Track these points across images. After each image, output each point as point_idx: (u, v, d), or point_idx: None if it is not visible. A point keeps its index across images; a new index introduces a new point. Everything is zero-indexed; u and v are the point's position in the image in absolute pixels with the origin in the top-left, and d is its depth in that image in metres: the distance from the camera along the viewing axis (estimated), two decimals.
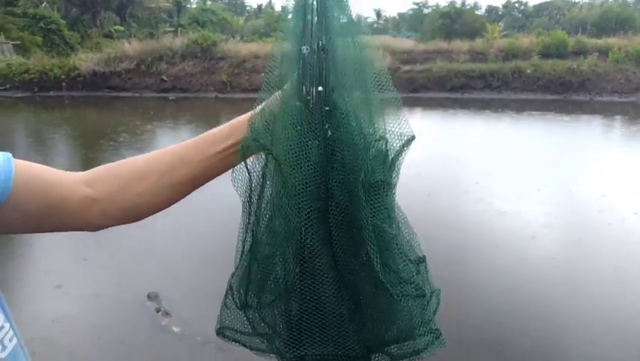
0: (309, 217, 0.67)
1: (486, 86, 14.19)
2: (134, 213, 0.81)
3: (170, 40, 17.22)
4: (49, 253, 4.60)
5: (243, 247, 0.75)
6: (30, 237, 4.96)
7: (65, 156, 8.46)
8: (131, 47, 16.57)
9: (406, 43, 21.57)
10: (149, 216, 0.81)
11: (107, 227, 0.80)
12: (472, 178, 6.64)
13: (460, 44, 17.51)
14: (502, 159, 7.62)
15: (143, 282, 3.89)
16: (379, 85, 0.73)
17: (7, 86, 15.70)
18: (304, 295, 0.68)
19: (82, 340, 3.26)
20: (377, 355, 0.74)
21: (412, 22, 51.02)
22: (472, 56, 16.10)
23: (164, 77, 15.47)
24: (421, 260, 0.76)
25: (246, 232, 0.74)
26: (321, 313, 0.69)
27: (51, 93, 15.66)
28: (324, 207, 0.68)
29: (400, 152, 0.71)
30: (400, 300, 0.70)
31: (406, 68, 15.15)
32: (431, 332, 0.72)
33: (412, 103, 13.33)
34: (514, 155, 7.90)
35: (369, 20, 65.90)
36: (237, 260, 0.76)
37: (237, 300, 0.77)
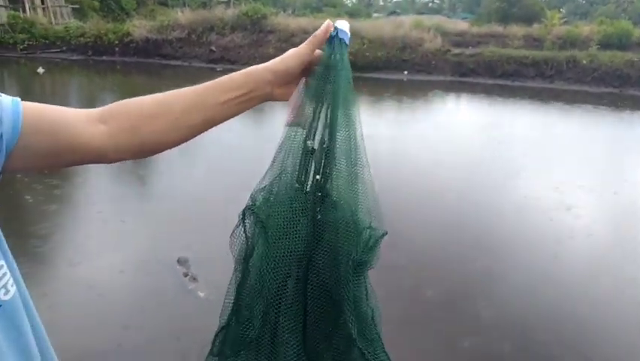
0: (284, 281, 0.77)
1: (538, 75, 13.69)
2: (148, 149, 0.84)
3: (222, 11, 17.36)
4: (87, 216, 4.83)
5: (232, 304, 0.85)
6: (67, 197, 5.22)
7: None
8: (183, 16, 16.82)
9: (460, 24, 20.99)
10: (163, 151, 0.85)
11: (121, 160, 0.84)
12: (513, 168, 6.52)
13: (516, 29, 16.89)
14: (547, 151, 7.42)
15: (175, 246, 4.05)
16: (364, 179, 0.82)
17: (64, 48, 16.26)
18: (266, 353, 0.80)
19: (112, 297, 3.44)
20: None
21: (469, 3, 49.52)
22: (528, 43, 15.53)
23: (213, 48, 15.67)
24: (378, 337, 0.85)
25: (235, 291, 0.85)
26: None
27: (104, 58, 16.12)
28: (304, 277, 0.78)
29: (378, 240, 0.81)
30: None
31: (456, 51, 14.79)
32: None
33: (458, 88, 13.04)
34: (561, 147, 7.67)
35: None
36: (221, 315, 0.87)
37: (214, 349, 0.87)
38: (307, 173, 0.81)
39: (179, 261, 3.80)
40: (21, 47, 15.91)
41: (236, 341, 0.81)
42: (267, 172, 0.83)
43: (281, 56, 0.83)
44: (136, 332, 3.02)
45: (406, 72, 14.44)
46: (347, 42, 0.83)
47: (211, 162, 6.46)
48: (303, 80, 0.86)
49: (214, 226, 4.45)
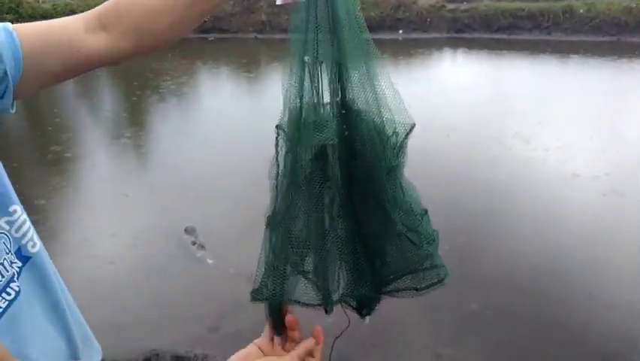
0: (331, 198, 0.80)
1: (535, 27, 13.49)
2: (152, 47, 0.84)
3: None
4: (93, 190, 4.87)
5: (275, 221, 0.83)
6: (73, 177, 5.25)
7: (112, 99, 8.72)
8: None
9: None
10: (166, 47, 0.86)
11: (128, 60, 0.85)
12: (514, 122, 6.52)
13: None
14: (549, 102, 7.39)
15: (181, 216, 4.10)
16: (386, 81, 0.82)
17: None
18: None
19: (120, 270, 3.52)
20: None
21: None
22: None
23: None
24: (424, 212, 0.90)
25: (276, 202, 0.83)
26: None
27: None
28: (347, 192, 0.81)
29: (405, 139, 0.84)
30: (421, 245, 0.85)
31: (451, 6, 14.54)
32: (441, 266, 0.87)
33: (455, 44, 12.88)
34: (562, 98, 7.64)
35: None
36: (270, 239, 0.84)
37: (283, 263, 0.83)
38: (321, 90, 0.79)
39: (186, 230, 3.86)
40: None
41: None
42: (285, 98, 0.82)
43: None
44: (149, 302, 3.10)
45: (401, 31, 14.24)
46: None
47: (210, 134, 6.47)
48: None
49: (218, 195, 4.51)
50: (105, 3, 0.81)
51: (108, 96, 8.78)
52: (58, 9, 16.25)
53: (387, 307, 0.89)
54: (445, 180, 4.72)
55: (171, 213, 4.23)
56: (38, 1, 17.38)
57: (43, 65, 0.72)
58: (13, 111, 0.71)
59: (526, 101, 7.42)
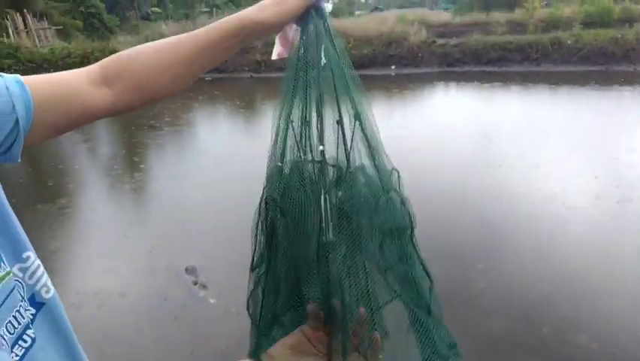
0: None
1: (524, 59, 13.79)
2: (155, 100, 0.87)
3: (205, 21, 17.40)
4: (92, 232, 4.86)
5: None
6: (76, 216, 5.25)
7: (110, 141, 8.78)
8: (167, 28, 16.89)
9: (443, 15, 21.16)
10: (168, 96, 0.88)
11: (131, 111, 0.87)
12: (509, 152, 6.58)
13: (499, 16, 17.06)
14: (541, 132, 7.48)
15: (180, 256, 4.08)
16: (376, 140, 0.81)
17: (51, 70, 16.26)
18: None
19: (123, 310, 3.48)
20: None
21: None
22: (511, 28, 15.65)
23: None
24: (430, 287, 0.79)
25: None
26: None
27: None
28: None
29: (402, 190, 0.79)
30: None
31: (441, 41, 14.87)
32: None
33: (446, 77, 13.11)
34: (553, 128, 7.74)
35: None
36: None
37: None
38: (310, 145, 0.76)
39: (187, 270, 3.84)
40: (8, 72, 15.86)
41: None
42: (271, 151, 0.80)
43: (275, 8, 0.82)
44: (152, 343, 3.06)
45: (393, 67, 14.51)
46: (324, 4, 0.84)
47: (208, 172, 6.50)
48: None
49: (217, 234, 4.50)
50: (107, 58, 0.84)
51: (105, 136, 8.85)
52: (56, 52, 16.55)
53: None
54: (438, 211, 4.74)
55: (171, 253, 4.22)
56: (37, 46, 17.71)
57: (47, 116, 0.75)
58: (19, 161, 0.73)
59: (518, 131, 7.51)
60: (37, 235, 4.67)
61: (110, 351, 2.98)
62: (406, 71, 14.25)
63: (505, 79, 12.36)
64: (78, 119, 0.80)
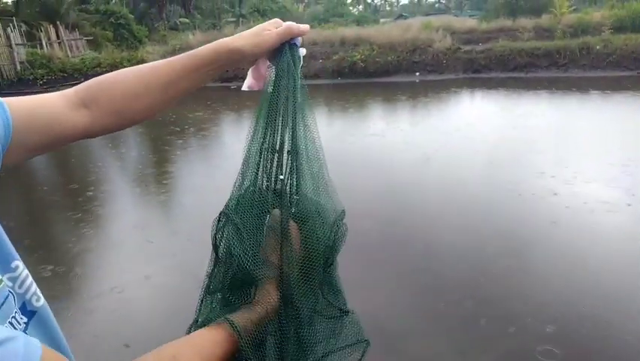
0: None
1: (551, 65, 13.58)
2: (131, 124, 0.90)
3: (232, 30, 17.64)
4: (117, 237, 4.96)
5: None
6: (98, 225, 5.36)
7: (132, 147, 8.95)
8: (194, 38, 17.17)
9: (468, 22, 20.96)
10: (145, 120, 0.92)
11: (107, 134, 0.90)
12: (536, 161, 6.48)
13: (526, 22, 16.82)
14: (569, 141, 7.35)
15: (205, 260, 4.14)
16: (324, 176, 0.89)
17: (82, 79, 16.59)
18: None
19: (149, 315, 3.54)
20: None
21: (476, 0, 49.34)
22: (538, 34, 15.44)
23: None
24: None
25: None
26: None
27: None
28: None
29: (339, 223, 0.87)
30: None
31: (467, 48, 14.76)
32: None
33: (471, 84, 12.99)
34: (583, 133, 7.60)
35: (429, 0, 64.05)
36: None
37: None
38: (272, 173, 0.87)
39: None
40: (41, 82, 16.39)
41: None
42: (239, 175, 0.89)
43: (251, 38, 0.87)
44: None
45: (417, 74, 14.46)
46: (300, 56, 0.90)
47: (231, 179, 6.57)
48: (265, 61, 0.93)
49: None
50: (86, 82, 0.87)
51: (133, 143, 9.03)
52: (87, 62, 17.00)
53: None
54: (465, 221, 4.69)
55: (195, 258, 4.28)
56: (68, 56, 18.22)
57: (26, 137, 0.75)
58: None
59: (546, 139, 7.39)
60: (61, 241, 4.80)
61: (130, 352, 3.03)
62: (430, 77, 14.18)
63: (532, 85, 12.18)
64: (55, 141, 0.81)
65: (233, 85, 13.60)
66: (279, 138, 0.86)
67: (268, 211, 0.82)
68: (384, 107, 11.11)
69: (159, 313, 3.51)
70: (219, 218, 0.85)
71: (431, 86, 13.12)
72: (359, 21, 30.41)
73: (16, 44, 17.36)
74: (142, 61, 16.33)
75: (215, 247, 0.85)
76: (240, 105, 12.09)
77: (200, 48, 0.87)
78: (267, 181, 0.87)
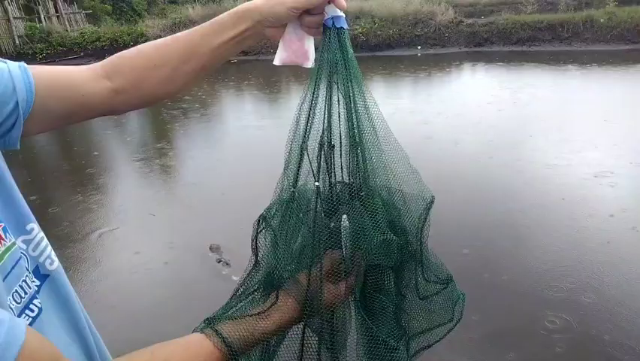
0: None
1: (555, 38, 13.42)
2: (153, 99, 0.89)
3: (232, 3, 17.41)
4: (119, 209, 5.01)
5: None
6: (99, 197, 5.41)
7: (133, 119, 8.95)
8: (194, 11, 16.93)
9: None
10: (167, 99, 0.91)
11: (129, 111, 0.89)
12: (535, 134, 6.49)
13: None
14: (573, 113, 7.34)
15: (206, 234, 4.19)
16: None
17: (82, 54, 16.56)
18: None
19: (147, 287, 3.61)
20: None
21: None
22: (542, 7, 15.20)
23: None
24: (450, 278, 0.90)
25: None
26: None
27: None
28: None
29: (425, 215, 0.81)
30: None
31: (469, 21, 14.58)
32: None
33: (474, 57, 12.87)
34: (586, 108, 7.58)
35: None
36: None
37: None
38: (328, 172, 0.79)
39: (211, 248, 3.95)
40: (40, 56, 16.27)
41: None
42: (282, 175, 0.83)
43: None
44: (172, 319, 3.15)
45: (419, 47, 14.33)
46: (345, 27, 0.79)
47: (234, 153, 6.60)
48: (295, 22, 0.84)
49: (241, 214, 4.59)
50: (112, 56, 0.87)
51: (134, 115, 9.02)
52: (86, 36, 16.84)
53: None
54: (466, 195, 4.73)
55: (196, 232, 4.34)
56: (67, 30, 18.04)
57: (49, 105, 0.76)
58: (19, 148, 0.74)
59: (549, 113, 7.38)
60: (58, 207, 4.86)
61: (129, 326, 3.10)
62: (432, 51, 14.05)
63: (534, 59, 12.08)
64: (76, 111, 0.81)
65: (234, 59, 13.51)
66: (331, 126, 0.78)
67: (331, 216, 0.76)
68: (386, 81, 11.04)
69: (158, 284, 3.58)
70: (259, 221, 0.81)
71: (433, 59, 13.01)
72: None
73: (14, 18, 17.18)
74: (142, 35, 16.19)
75: (255, 251, 0.82)
76: (239, 78, 12.03)
77: (221, 15, 0.84)
78: (319, 181, 0.79)
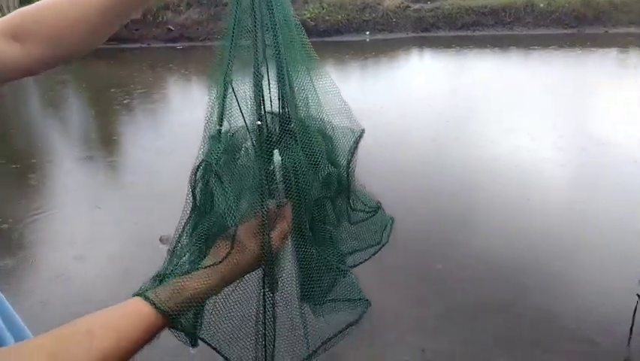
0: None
1: (497, 23, 13.81)
2: (69, 56, 0.81)
3: None
4: (64, 202, 4.81)
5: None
6: (42, 190, 5.18)
7: (75, 111, 8.60)
8: None
9: None
10: (82, 55, 0.82)
11: (48, 70, 0.82)
12: (482, 116, 6.66)
13: None
14: (513, 97, 7.57)
15: (155, 226, 4.09)
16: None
17: None
18: None
19: (99, 278, 3.50)
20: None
21: None
22: None
23: (171, 27, 15.30)
24: (379, 205, 0.96)
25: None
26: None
27: None
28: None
29: (354, 147, 0.82)
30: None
31: (416, 6, 14.75)
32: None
33: (421, 42, 13.06)
34: (526, 92, 7.84)
35: None
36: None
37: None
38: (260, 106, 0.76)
39: (161, 240, 3.85)
40: None
41: None
42: (212, 111, 0.79)
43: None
44: None
45: (367, 32, 14.38)
46: None
47: (181, 142, 6.45)
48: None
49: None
50: (13, 13, 0.77)
51: (75, 107, 8.65)
52: None
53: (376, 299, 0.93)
54: (408, 181, 4.81)
55: (144, 224, 4.22)
56: None
57: None
58: None
59: (492, 97, 7.59)
60: (9, 207, 4.62)
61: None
62: (380, 36, 14.15)
63: (479, 43, 12.38)
64: None
65: (179, 45, 13.15)
66: (254, 55, 0.74)
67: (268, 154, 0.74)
68: (335, 67, 11.05)
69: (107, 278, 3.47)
70: (199, 166, 0.77)
71: (381, 45, 13.10)
72: None
73: None
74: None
75: (194, 196, 0.78)
76: (186, 65, 11.73)
77: None
78: (256, 118, 0.76)
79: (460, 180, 4.70)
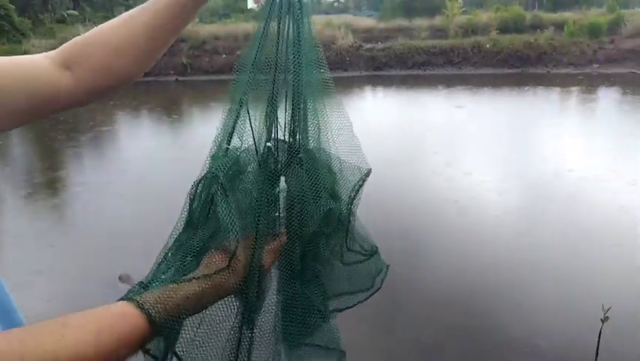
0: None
1: (447, 62, 14.34)
2: (119, 84, 0.81)
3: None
4: (18, 243, 4.52)
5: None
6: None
7: (22, 147, 8.22)
8: (86, 30, 16.07)
9: (367, 21, 21.58)
10: (137, 79, 0.83)
11: (96, 100, 0.81)
12: (431, 150, 6.77)
13: (421, 22, 17.64)
14: (464, 135, 7.76)
15: (112, 265, 3.87)
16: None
17: None
18: None
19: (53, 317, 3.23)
20: None
21: (373, 0, 50.96)
22: (433, 33, 16.23)
23: None
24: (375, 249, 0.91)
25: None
26: None
27: None
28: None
29: (359, 186, 0.82)
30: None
31: (368, 46, 15.16)
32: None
33: (374, 81, 13.38)
34: (475, 130, 8.05)
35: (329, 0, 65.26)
36: None
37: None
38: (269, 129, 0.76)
39: (120, 278, 3.64)
40: None
41: None
42: (220, 131, 0.77)
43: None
44: None
45: None
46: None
47: (131, 177, 6.22)
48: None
49: (145, 239, 4.27)
50: (67, 43, 0.78)
51: (23, 143, 8.26)
52: None
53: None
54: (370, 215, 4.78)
55: (101, 263, 3.99)
56: None
57: (8, 100, 0.68)
58: None
59: (442, 132, 7.76)
60: None
61: None
62: (334, 74, 14.33)
63: (429, 82, 12.77)
64: (40, 105, 0.73)
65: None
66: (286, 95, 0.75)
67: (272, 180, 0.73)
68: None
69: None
70: (202, 179, 0.72)
71: (336, 83, 13.28)
72: (257, 17, 30.18)
73: None
74: (26, 54, 15.01)
75: (190, 210, 0.73)
76: (138, 100, 11.49)
77: None
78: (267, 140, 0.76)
79: (404, 216, 4.71)
